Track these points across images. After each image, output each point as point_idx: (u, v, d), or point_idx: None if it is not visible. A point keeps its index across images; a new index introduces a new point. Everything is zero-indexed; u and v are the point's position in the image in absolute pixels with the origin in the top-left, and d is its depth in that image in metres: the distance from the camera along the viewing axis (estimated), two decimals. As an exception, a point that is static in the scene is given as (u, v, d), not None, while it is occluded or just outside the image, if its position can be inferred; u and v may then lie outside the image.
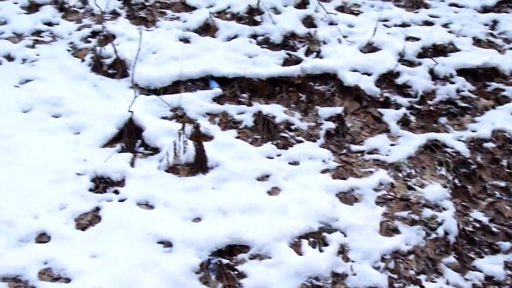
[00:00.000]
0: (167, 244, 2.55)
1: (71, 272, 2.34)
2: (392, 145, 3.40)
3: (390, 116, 3.60)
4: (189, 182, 2.99)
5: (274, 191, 2.98)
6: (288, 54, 4.08)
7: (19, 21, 4.53)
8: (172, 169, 3.07)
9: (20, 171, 2.95)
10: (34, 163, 3.01)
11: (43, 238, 2.52)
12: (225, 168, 3.08)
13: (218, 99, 3.69)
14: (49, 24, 4.55)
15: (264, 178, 3.06)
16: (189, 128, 3.11)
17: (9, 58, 4.10)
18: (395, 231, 2.79)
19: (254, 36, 4.27)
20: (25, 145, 3.15)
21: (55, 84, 3.78)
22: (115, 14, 4.61)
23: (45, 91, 3.67)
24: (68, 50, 4.21)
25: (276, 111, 3.60)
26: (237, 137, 3.40)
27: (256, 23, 4.45)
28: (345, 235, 2.72)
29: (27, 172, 2.94)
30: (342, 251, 2.62)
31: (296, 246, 2.61)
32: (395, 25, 4.53)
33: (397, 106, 3.67)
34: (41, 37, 4.37)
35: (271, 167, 3.13)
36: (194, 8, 4.66)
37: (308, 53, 4.13)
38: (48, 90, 3.68)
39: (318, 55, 4.07)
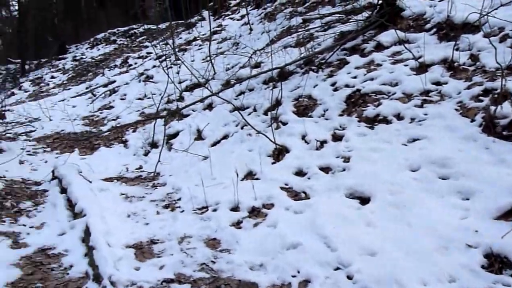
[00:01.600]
0: None
1: None
2: None
3: None
4: None
5: None
6: None
7: (409, 81, 4.79)
8: None
9: (408, 230, 3.01)
10: (422, 223, 3.02)
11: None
12: None
13: None
14: (437, 83, 4.61)
15: None
16: None
17: (399, 117, 4.38)
18: None
19: None
20: (413, 204, 3.22)
21: (442, 144, 3.75)
22: (511, 70, 4.21)
23: (433, 151, 3.69)
24: (456, 110, 4.11)
25: None
26: None
27: None
28: None
29: (415, 232, 2.97)
30: None
31: None
32: None
33: None
34: (429, 96, 4.47)
35: None
36: None
37: None
38: (435, 150, 3.69)
39: None
